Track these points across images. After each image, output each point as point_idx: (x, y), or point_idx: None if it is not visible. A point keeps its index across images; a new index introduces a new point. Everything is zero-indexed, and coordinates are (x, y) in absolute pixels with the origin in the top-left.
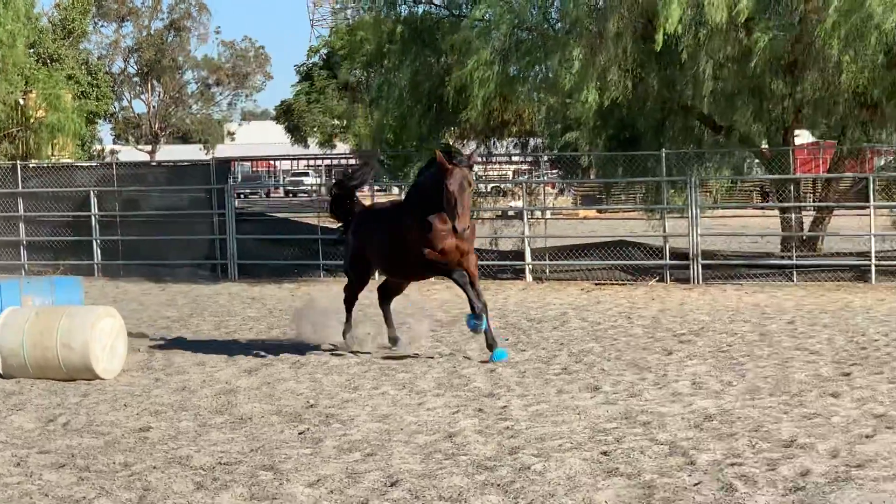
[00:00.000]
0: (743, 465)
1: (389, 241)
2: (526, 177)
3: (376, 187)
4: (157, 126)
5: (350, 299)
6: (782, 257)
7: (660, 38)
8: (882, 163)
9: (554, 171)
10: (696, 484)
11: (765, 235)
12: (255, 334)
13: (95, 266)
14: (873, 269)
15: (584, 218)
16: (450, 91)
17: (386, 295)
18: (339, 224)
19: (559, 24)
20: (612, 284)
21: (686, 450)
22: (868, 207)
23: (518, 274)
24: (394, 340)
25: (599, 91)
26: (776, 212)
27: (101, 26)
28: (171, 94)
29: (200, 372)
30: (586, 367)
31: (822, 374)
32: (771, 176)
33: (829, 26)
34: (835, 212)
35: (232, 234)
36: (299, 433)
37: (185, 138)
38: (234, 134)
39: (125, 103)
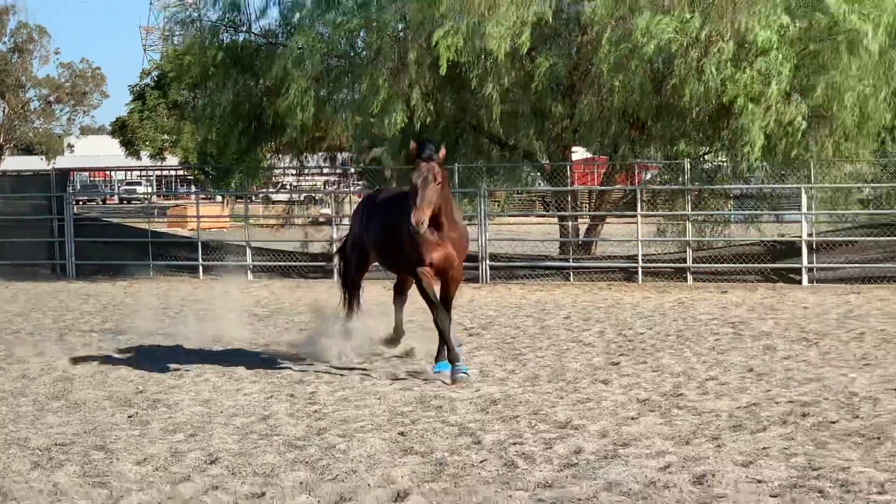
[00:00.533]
0: (523, 445)
1: (384, 234)
2: (335, 187)
3: (202, 196)
4: (1, 139)
5: (349, 285)
6: (561, 260)
7: (443, 65)
8: (648, 177)
9: (360, 182)
10: (482, 461)
11: (545, 241)
12: (91, 327)
13: None
14: (640, 270)
15: None
16: (270, 114)
17: (399, 289)
18: None
19: (364, 52)
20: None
21: (473, 431)
22: (636, 216)
23: (327, 274)
24: (392, 341)
25: (403, 112)
26: (556, 219)
27: None
28: (15, 110)
29: (39, 361)
30: (386, 358)
31: (595, 363)
32: (551, 188)
33: (603, 55)
34: (607, 220)
35: (70, 237)
36: (129, 416)
37: (28, 150)
38: (73, 147)
39: None
